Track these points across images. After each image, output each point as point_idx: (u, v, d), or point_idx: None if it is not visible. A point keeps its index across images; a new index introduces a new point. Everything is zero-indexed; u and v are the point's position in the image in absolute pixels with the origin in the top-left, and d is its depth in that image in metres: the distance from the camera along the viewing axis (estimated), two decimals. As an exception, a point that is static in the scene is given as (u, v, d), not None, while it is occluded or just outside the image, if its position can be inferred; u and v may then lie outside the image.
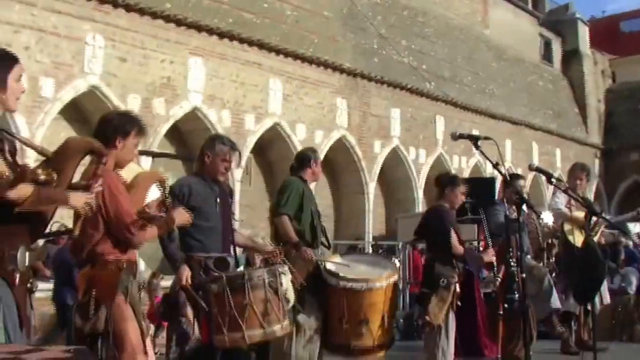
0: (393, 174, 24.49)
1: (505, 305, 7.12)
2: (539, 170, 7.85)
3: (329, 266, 7.85)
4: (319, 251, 8.15)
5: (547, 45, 38.14)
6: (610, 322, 13.51)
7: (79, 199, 4.27)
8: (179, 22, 17.28)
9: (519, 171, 28.72)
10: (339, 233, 22.19)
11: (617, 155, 37.30)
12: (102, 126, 5.14)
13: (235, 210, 18.41)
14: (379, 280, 7.68)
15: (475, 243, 15.15)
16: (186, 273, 6.43)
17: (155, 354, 6.89)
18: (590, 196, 32.43)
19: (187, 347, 9.38)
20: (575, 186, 10.12)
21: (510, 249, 6.23)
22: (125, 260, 5.02)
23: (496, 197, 11.66)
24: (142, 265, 7.57)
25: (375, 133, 23.26)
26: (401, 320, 12.93)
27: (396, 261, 14.03)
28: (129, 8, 16.25)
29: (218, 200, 6.79)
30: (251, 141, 19.04)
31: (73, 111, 15.91)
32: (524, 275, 6.07)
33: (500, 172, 5.84)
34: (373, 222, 22.96)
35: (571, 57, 38.56)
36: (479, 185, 12.22)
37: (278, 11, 20.90)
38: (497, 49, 33.06)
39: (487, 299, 10.72)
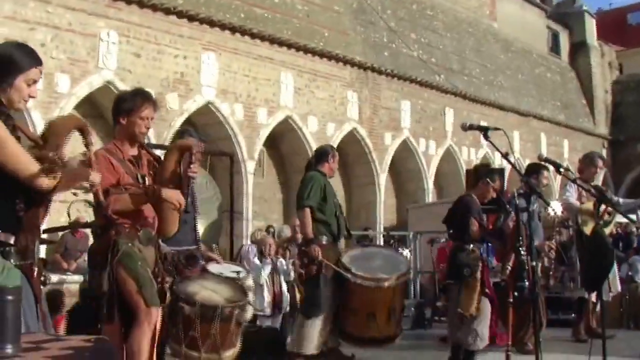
0: (403, 166, 24.64)
1: (515, 293, 7.25)
2: (547, 160, 8.01)
3: (345, 260, 8.11)
4: (342, 242, 8.45)
5: (555, 37, 38.16)
6: (618, 310, 13.71)
7: (173, 194, 4.96)
8: (191, 18, 17.41)
9: (527, 162, 28.96)
10: (350, 224, 22.12)
11: (625, 146, 37.36)
12: (112, 106, 5.47)
13: (249, 202, 18.68)
14: (389, 280, 7.90)
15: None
16: None
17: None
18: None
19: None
20: (592, 175, 10.28)
21: (520, 238, 6.37)
22: (128, 226, 5.22)
23: (505, 186, 11.88)
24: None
25: (386, 125, 23.40)
26: (412, 309, 13.08)
27: (407, 251, 14.29)
28: (142, 4, 16.39)
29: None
30: (264, 134, 19.18)
31: (88, 106, 16.07)
32: (534, 263, 6.21)
33: (510, 162, 5.98)
34: (384, 213, 23.10)
35: (579, 49, 38.58)
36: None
37: (289, 6, 21.04)
38: (505, 42, 33.13)
39: (497, 288, 10.95)
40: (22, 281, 3.80)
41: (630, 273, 14.24)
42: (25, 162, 3.75)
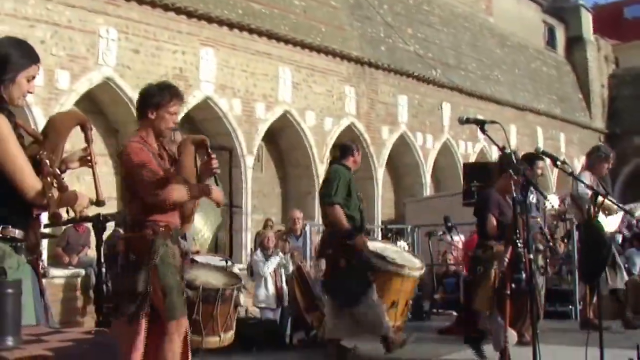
0: (401, 160, 24.73)
1: (513, 285, 7.34)
2: (544, 154, 8.11)
3: (379, 250, 8.45)
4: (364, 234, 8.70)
5: (551, 31, 38.23)
6: (615, 302, 13.84)
7: (220, 194, 5.11)
8: (189, 14, 17.46)
9: (524, 156, 28.98)
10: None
11: (621, 140, 37.42)
12: (137, 100, 5.39)
13: (248, 196, 18.79)
14: (420, 270, 8.49)
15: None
16: None
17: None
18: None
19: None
20: (604, 170, 10.30)
21: (517, 230, 6.45)
22: (163, 224, 5.15)
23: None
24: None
25: (383, 120, 23.47)
26: (410, 301, 13.21)
27: (405, 244, 14.39)
28: (141, 1, 16.42)
29: None
30: (262, 129, 19.25)
31: (88, 102, 16.15)
32: (531, 255, 6.29)
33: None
34: (382, 207, 23.19)
35: (575, 43, 38.65)
36: (486, 170, 12.44)
37: (286, 2, 21.07)
38: (501, 36, 33.22)
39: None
40: (32, 276, 3.92)
41: (627, 265, 14.37)
42: (21, 169, 3.76)
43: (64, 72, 15.01)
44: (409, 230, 16.94)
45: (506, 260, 8.27)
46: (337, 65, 21.84)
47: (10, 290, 2.82)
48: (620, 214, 10.16)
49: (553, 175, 27.64)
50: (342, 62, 22.03)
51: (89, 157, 4.39)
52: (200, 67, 17.69)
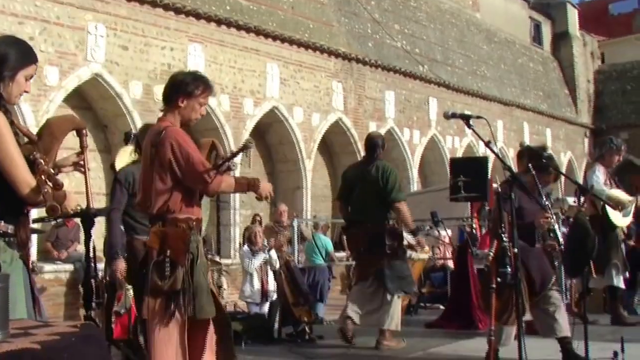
0: (388, 155, 24.70)
1: (498, 279, 7.39)
2: (529, 148, 8.21)
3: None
4: None
5: (537, 27, 38.41)
6: (601, 296, 13.98)
7: (268, 187, 5.10)
8: (177, 10, 17.49)
9: (511, 152, 29.24)
10: (336, 212, 22.54)
11: (606, 135, 37.42)
12: (167, 86, 5.21)
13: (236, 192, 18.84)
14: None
15: (469, 220, 15.64)
16: (121, 267, 7.03)
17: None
18: (580, 175, 32.87)
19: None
20: (615, 162, 10.30)
21: (502, 224, 6.51)
22: (194, 219, 5.06)
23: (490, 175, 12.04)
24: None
25: (371, 115, 23.56)
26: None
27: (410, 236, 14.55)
28: (129, -3, 16.57)
29: None
30: (250, 125, 19.28)
31: (77, 99, 16.17)
32: (516, 250, 6.36)
33: (492, 151, 6.06)
34: (369, 202, 23.26)
35: (561, 39, 38.89)
36: (473, 165, 12.50)
37: (274, -2, 21.22)
38: (488, 32, 33.36)
39: (480, 274, 11.18)
40: (24, 270, 3.94)
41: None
42: (17, 166, 3.77)
43: (53, 69, 15.03)
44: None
45: (491, 254, 8.36)
46: (324, 61, 21.92)
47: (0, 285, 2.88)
48: (631, 207, 10.11)
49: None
50: (329, 58, 22.11)
51: (81, 162, 4.45)
52: (188, 63, 17.69)
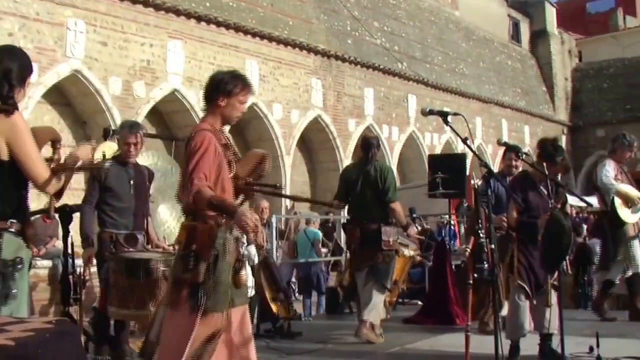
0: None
1: (475, 275, 7.43)
2: (507, 145, 8.24)
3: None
4: None
5: (516, 25, 38.59)
6: (575, 291, 14.11)
7: (250, 219, 4.67)
8: (157, 7, 17.51)
9: (489, 148, 29.39)
10: (316, 208, 22.59)
11: (583, 132, 38.05)
12: (207, 86, 5.17)
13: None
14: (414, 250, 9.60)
15: (446, 217, 15.72)
16: (89, 253, 7.10)
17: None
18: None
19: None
20: (626, 159, 10.24)
21: (480, 221, 6.54)
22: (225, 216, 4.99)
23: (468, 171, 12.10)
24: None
25: (350, 112, 23.65)
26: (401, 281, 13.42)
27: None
28: (108, -7, 16.53)
29: (132, 182, 7.31)
30: (229, 121, 19.28)
31: (56, 95, 16.16)
32: (493, 246, 6.40)
33: (469, 147, 6.05)
34: (348, 198, 23.29)
35: (539, 37, 39.11)
36: (451, 161, 12.54)
37: (254, -6, 21.21)
38: (467, 30, 33.50)
39: (458, 270, 11.27)
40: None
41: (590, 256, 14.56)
42: (35, 160, 4.18)
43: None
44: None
45: (468, 250, 8.43)
46: (303, 58, 21.97)
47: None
48: None
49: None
50: (309, 55, 22.17)
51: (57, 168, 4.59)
52: (167, 59, 17.74)
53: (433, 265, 12.37)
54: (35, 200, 5.20)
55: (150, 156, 11.50)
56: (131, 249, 7.13)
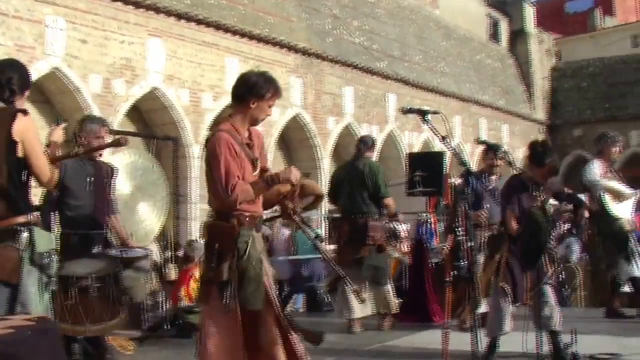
0: (346, 150, 24.79)
1: (454, 273, 7.47)
2: (485, 143, 8.30)
3: None
4: None
5: (495, 25, 38.76)
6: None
7: (293, 172, 5.22)
8: (137, 4, 17.44)
9: (468, 146, 29.50)
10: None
11: (561, 131, 38.26)
12: (239, 86, 5.28)
13: (194, 185, 18.84)
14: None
15: (425, 215, 15.80)
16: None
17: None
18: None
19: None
20: (614, 155, 10.17)
21: (458, 218, 6.58)
22: (248, 215, 5.06)
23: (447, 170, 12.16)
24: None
25: (329, 110, 23.70)
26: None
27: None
28: (88, -10, 16.46)
29: (91, 179, 7.13)
30: (209, 119, 19.23)
31: (36, 93, 16.03)
32: (471, 243, 6.44)
33: (447, 146, 6.05)
34: (327, 196, 23.32)
35: (518, 36, 39.29)
36: (430, 159, 12.58)
37: (234, -8, 21.19)
38: (447, 29, 33.59)
39: (437, 268, 11.34)
40: None
41: (564, 253, 14.69)
42: (44, 162, 4.76)
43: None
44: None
45: (447, 248, 8.50)
46: (284, 56, 21.99)
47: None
48: (632, 200, 10.09)
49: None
50: (289, 53, 22.19)
51: None
52: (147, 57, 17.70)
53: (411, 263, 12.44)
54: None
55: (130, 154, 11.51)
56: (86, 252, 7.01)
